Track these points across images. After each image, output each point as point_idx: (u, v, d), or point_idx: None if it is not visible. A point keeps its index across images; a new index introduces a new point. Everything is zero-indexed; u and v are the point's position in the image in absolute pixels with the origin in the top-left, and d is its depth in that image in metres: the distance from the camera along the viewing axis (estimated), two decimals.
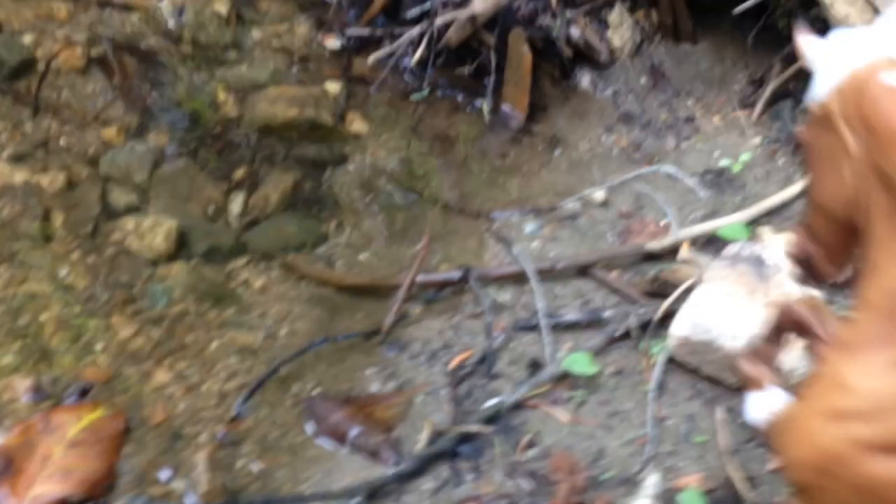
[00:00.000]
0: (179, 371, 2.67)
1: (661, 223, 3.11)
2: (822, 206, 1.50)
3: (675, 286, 2.79)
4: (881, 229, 1.34)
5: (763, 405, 1.66)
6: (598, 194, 3.23)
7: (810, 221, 1.57)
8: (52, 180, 3.08)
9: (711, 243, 2.99)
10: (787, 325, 1.68)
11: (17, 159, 3.14)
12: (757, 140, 3.45)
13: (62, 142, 3.22)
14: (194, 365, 2.69)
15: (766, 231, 3.05)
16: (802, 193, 3.26)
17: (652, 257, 3.00)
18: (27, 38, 3.49)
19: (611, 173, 3.32)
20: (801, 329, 1.65)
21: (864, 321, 1.34)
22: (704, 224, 3.07)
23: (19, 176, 3.07)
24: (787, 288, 2.63)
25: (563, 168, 3.38)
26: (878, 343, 1.28)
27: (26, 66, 3.42)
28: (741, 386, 1.80)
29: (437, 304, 2.91)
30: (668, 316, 2.70)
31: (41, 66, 3.39)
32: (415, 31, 3.49)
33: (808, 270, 1.61)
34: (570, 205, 3.21)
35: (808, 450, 1.32)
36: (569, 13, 3.65)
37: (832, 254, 1.53)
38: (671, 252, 2.98)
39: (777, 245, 3.06)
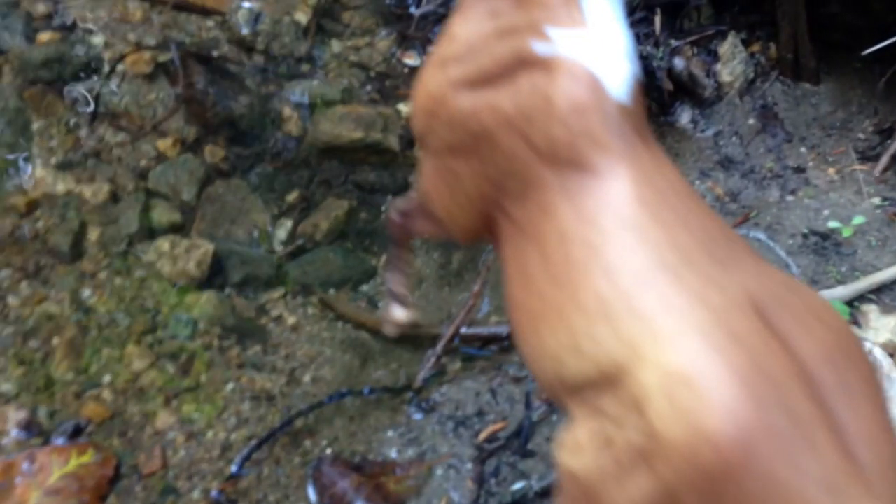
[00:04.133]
0: (186, 414, 2.48)
1: None
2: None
3: None
4: None
5: None
6: None
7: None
8: (95, 192, 2.94)
9: None
10: None
11: (64, 167, 3.00)
12: (876, 200, 3.01)
13: (114, 151, 3.07)
14: (203, 409, 2.50)
15: (871, 311, 2.66)
16: None
17: None
18: (97, 39, 3.36)
19: None
20: None
21: None
22: None
23: (62, 185, 2.94)
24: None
25: None
26: None
27: (93, 69, 3.28)
28: None
29: (479, 361, 2.64)
30: None
31: (107, 69, 3.26)
32: None
33: (400, 238, 1.92)
34: None
35: (421, 97, 1.46)
36: (674, 42, 3.31)
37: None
38: None
39: (883, 329, 2.67)
